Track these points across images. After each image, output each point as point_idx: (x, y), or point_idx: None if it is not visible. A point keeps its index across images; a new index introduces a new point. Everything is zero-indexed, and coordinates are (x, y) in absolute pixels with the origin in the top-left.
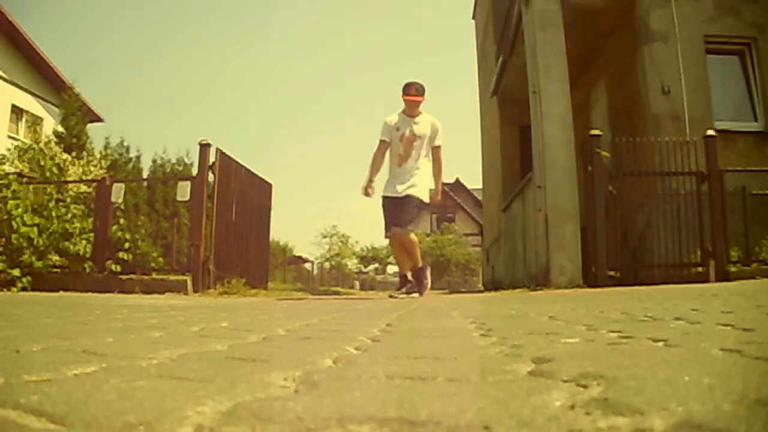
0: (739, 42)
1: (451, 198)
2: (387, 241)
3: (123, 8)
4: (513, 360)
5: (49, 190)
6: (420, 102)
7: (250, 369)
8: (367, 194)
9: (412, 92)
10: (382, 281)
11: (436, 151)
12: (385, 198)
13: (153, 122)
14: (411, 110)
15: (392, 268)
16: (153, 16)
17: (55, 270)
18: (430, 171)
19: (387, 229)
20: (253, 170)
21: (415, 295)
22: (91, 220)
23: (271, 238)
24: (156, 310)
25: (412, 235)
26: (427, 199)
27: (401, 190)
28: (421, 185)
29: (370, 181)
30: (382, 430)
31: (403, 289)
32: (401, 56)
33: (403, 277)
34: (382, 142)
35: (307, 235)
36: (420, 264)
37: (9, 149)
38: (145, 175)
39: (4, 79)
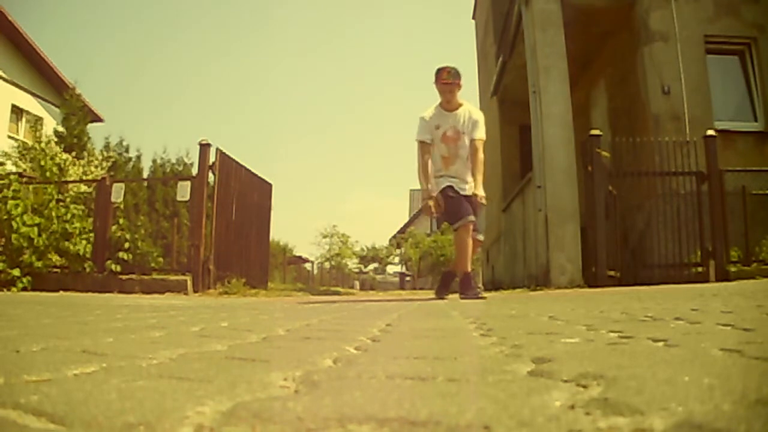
0: (739, 42)
1: None
2: (387, 240)
3: (123, 8)
4: (513, 360)
5: (49, 190)
6: (454, 88)
7: (250, 369)
8: (430, 214)
9: (444, 76)
10: (382, 281)
11: (473, 144)
12: (442, 193)
13: (153, 122)
14: (447, 101)
15: (392, 268)
16: (153, 16)
17: (55, 270)
18: None
19: (460, 217)
20: (253, 170)
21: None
22: (91, 220)
23: (271, 238)
24: (156, 310)
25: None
26: (485, 201)
27: (463, 189)
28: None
29: (429, 194)
30: (382, 430)
31: (478, 290)
32: (401, 56)
33: (466, 276)
34: (422, 143)
35: (307, 235)
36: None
37: (10, 148)
38: (145, 175)
39: (4, 79)
